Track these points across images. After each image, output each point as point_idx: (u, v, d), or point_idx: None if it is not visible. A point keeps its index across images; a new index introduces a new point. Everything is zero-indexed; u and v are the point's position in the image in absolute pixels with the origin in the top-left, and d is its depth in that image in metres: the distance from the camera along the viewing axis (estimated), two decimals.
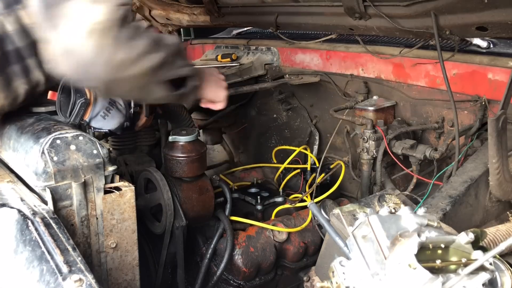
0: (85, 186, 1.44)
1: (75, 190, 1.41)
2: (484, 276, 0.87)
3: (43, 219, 1.25)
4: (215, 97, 1.75)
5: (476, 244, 0.99)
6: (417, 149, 2.13)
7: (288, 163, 2.61)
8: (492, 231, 1.20)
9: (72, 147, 1.45)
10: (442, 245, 0.93)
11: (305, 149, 2.70)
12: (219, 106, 1.79)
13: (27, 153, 1.47)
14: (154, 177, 1.82)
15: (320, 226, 2.06)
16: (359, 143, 2.32)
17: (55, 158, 1.39)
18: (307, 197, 2.27)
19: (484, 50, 2.14)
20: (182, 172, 1.88)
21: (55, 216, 1.30)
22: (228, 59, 3.01)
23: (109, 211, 1.48)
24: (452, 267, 0.92)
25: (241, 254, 1.93)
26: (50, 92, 1.65)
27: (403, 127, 2.27)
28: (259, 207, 2.23)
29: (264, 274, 2.03)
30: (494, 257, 0.92)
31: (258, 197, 2.24)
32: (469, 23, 1.78)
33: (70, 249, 1.15)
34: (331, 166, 2.61)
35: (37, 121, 1.62)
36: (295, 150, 2.64)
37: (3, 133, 1.67)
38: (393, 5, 1.97)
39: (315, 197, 2.28)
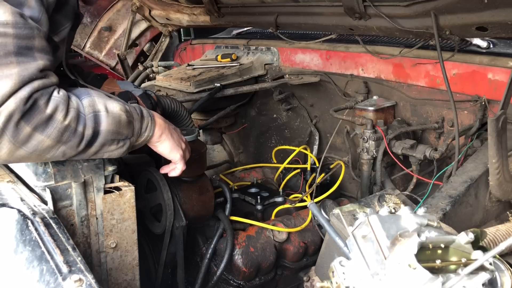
0: (85, 186, 1.44)
1: (75, 190, 1.41)
2: (484, 276, 0.87)
3: (43, 219, 1.25)
4: (169, 154, 1.58)
5: (476, 244, 0.99)
6: (417, 149, 2.13)
7: (288, 163, 2.61)
8: (492, 231, 1.20)
9: None
10: (442, 245, 0.93)
11: (305, 149, 2.70)
12: (173, 172, 1.65)
13: None
14: (154, 177, 1.82)
15: (320, 226, 2.06)
16: (359, 143, 2.32)
17: None
18: (307, 197, 2.27)
19: (484, 50, 2.14)
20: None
21: (55, 216, 1.30)
22: (228, 59, 3.01)
23: (109, 211, 1.48)
24: (452, 267, 0.92)
25: (241, 254, 1.93)
26: None
27: (403, 127, 2.27)
28: (259, 207, 2.23)
29: (264, 274, 2.03)
30: (494, 257, 0.92)
31: (258, 197, 2.24)
32: (469, 23, 1.78)
33: (70, 249, 1.15)
34: (331, 166, 2.61)
35: None
36: (295, 150, 2.64)
37: None
38: (393, 5, 1.97)
39: (315, 197, 2.28)
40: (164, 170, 1.69)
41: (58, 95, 1.21)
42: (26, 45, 1.17)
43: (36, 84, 1.16)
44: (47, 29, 1.27)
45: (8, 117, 1.12)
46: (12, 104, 1.12)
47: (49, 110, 1.18)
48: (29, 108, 1.15)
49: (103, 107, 1.31)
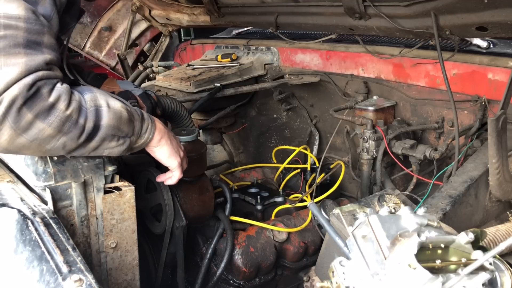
0: (85, 186, 1.44)
1: (75, 190, 1.41)
2: (484, 276, 0.87)
3: (43, 219, 1.25)
4: (167, 161, 1.58)
5: (476, 244, 0.99)
6: (417, 149, 2.13)
7: (288, 163, 2.61)
8: (492, 231, 1.20)
9: None
10: (442, 245, 0.93)
11: (305, 149, 2.70)
12: (170, 180, 1.65)
13: None
14: (154, 177, 1.82)
15: (320, 226, 2.06)
16: (359, 143, 2.32)
17: (55, 158, 1.39)
18: (307, 197, 2.27)
19: (484, 50, 2.14)
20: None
21: (55, 216, 1.30)
22: (228, 59, 3.01)
23: (109, 211, 1.48)
24: (452, 267, 0.92)
25: (241, 254, 1.93)
26: None
27: (403, 127, 2.27)
28: (259, 207, 2.23)
29: (264, 274, 2.03)
30: (494, 257, 0.92)
31: (258, 197, 2.24)
32: (469, 23, 1.78)
33: (70, 249, 1.15)
34: (331, 166, 2.61)
35: None
36: (295, 150, 2.64)
37: None
38: (393, 5, 1.97)
39: (315, 197, 2.28)
40: (160, 178, 1.70)
41: (61, 86, 1.23)
42: (35, 39, 1.19)
43: (41, 73, 1.18)
44: (57, 29, 1.29)
45: (10, 102, 1.13)
46: (15, 90, 1.13)
47: (51, 98, 1.19)
48: (32, 95, 1.16)
49: (104, 103, 1.32)
